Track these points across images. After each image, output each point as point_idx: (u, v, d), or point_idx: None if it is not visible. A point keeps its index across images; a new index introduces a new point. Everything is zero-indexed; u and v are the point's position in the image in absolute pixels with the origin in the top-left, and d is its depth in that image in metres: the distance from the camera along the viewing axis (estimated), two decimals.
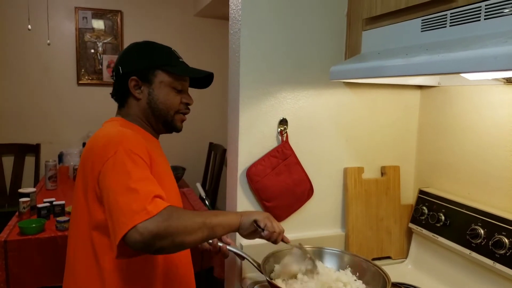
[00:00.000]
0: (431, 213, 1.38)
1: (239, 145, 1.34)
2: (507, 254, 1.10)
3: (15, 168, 3.55)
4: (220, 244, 1.22)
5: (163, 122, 1.19)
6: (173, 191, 1.19)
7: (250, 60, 1.32)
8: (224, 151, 3.34)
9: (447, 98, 1.42)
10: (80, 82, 3.73)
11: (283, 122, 1.36)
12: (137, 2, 3.82)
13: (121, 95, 1.18)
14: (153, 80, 1.15)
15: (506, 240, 1.10)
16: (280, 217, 1.38)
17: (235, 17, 1.34)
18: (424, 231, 1.40)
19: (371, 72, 1.08)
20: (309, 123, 1.41)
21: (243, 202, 1.36)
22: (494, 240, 1.13)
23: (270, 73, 1.34)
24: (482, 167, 1.29)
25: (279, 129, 1.37)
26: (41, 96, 3.63)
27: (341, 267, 1.24)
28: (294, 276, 1.14)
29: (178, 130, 1.23)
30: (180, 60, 1.20)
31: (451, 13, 0.96)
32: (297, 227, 1.42)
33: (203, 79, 1.27)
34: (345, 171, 1.47)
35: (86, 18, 3.70)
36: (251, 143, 1.35)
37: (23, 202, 2.17)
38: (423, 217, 1.41)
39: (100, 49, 3.76)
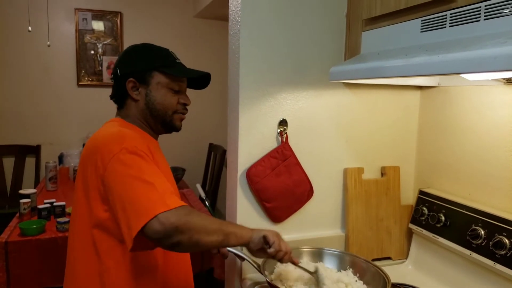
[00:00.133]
0: (431, 213, 1.38)
1: (239, 146, 1.34)
2: (508, 255, 1.10)
3: (15, 169, 3.55)
4: None
5: (161, 123, 1.20)
6: None
7: (250, 61, 1.32)
8: (224, 152, 3.34)
9: (447, 99, 1.42)
10: (80, 83, 3.73)
11: (283, 123, 1.36)
12: (137, 4, 3.82)
13: (119, 97, 1.19)
14: (150, 82, 1.16)
15: (507, 241, 1.10)
16: (280, 218, 1.38)
17: (234, 18, 1.34)
18: (424, 232, 1.39)
19: (371, 73, 1.08)
20: (309, 124, 1.41)
21: (243, 203, 1.36)
22: (495, 240, 1.13)
23: (270, 74, 1.34)
24: (482, 167, 1.29)
25: (279, 130, 1.37)
26: (41, 97, 3.64)
27: (342, 267, 1.23)
28: (296, 280, 1.15)
29: (177, 129, 1.23)
30: (177, 61, 1.21)
31: (450, 14, 0.96)
32: (297, 228, 1.42)
33: (201, 80, 1.27)
34: (345, 171, 1.47)
35: (86, 19, 3.70)
36: (251, 144, 1.35)
37: (24, 203, 2.17)
38: (423, 218, 1.41)
39: (100, 50, 3.77)
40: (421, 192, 1.46)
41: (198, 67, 1.23)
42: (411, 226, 1.47)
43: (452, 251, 1.30)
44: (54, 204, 2.25)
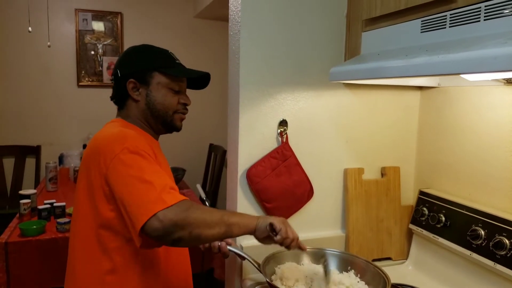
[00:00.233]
0: (431, 214, 1.38)
1: (239, 146, 1.34)
2: (508, 255, 1.10)
3: (15, 170, 3.56)
4: (219, 242, 1.22)
5: (162, 123, 1.20)
6: None
7: (250, 61, 1.32)
8: (224, 152, 3.34)
9: (447, 99, 1.42)
10: (80, 83, 3.74)
11: (283, 123, 1.37)
12: (137, 4, 3.83)
13: (120, 97, 1.20)
14: (150, 82, 1.16)
15: (507, 241, 1.10)
16: None
17: (234, 19, 1.34)
18: (425, 232, 1.39)
19: (371, 73, 1.08)
20: (309, 124, 1.41)
21: (243, 203, 1.36)
22: (495, 241, 1.13)
23: (270, 74, 1.34)
24: (482, 167, 1.29)
25: (279, 130, 1.37)
26: (41, 98, 3.64)
27: (342, 268, 1.23)
28: (297, 280, 1.14)
29: (178, 129, 1.24)
30: (177, 61, 1.22)
31: (450, 14, 0.96)
32: (297, 228, 1.41)
33: (200, 80, 1.28)
34: (345, 172, 1.47)
35: (86, 20, 3.70)
36: (251, 144, 1.35)
37: (24, 203, 2.17)
38: (424, 218, 1.41)
39: (100, 51, 3.77)
40: (421, 193, 1.46)
41: (198, 68, 1.24)
42: (411, 226, 1.47)
43: (452, 252, 1.30)
44: (54, 204, 2.25)
